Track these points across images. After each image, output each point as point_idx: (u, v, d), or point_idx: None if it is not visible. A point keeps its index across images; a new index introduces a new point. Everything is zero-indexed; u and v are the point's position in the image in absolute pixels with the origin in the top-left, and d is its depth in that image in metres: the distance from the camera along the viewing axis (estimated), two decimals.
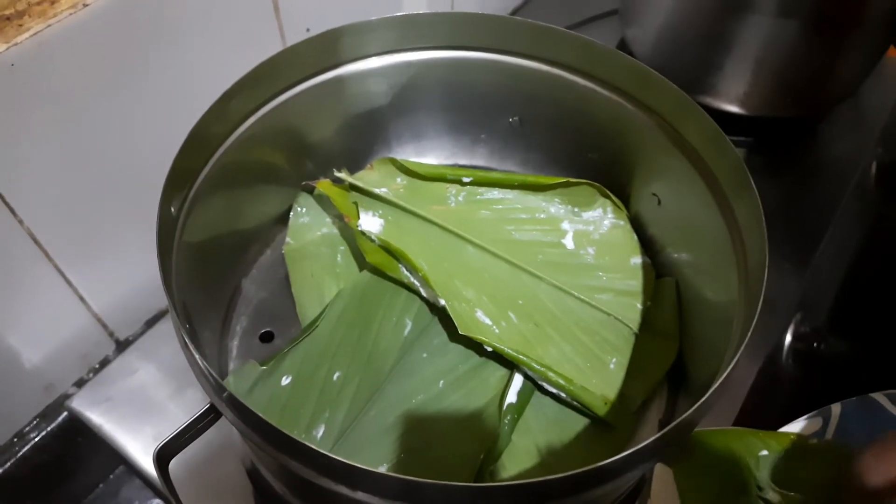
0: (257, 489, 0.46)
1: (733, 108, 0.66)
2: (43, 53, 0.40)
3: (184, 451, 0.35)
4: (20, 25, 0.40)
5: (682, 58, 0.66)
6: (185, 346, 0.32)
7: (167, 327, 0.55)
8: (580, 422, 0.43)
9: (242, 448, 0.46)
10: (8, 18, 0.40)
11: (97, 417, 0.51)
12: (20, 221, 0.44)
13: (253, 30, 0.52)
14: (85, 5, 0.41)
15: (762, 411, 0.55)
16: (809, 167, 0.70)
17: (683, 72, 0.65)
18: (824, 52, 0.63)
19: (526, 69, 0.49)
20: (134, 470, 0.51)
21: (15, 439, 0.51)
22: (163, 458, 0.34)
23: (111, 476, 0.57)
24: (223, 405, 0.32)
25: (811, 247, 0.61)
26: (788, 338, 0.57)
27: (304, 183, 0.51)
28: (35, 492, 0.53)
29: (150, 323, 0.56)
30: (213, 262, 0.45)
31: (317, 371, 0.42)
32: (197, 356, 0.31)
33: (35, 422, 0.51)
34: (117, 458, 0.53)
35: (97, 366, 0.54)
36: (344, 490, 0.29)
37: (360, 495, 0.29)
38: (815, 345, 0.57)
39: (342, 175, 0.48)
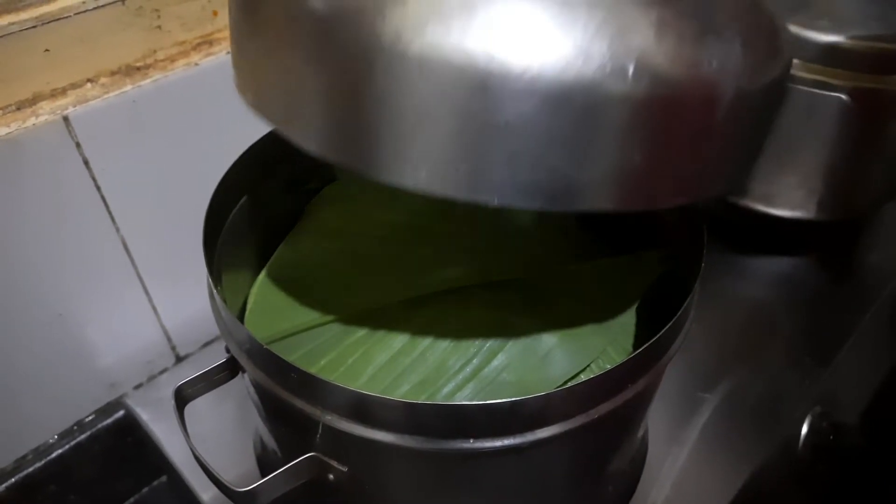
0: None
1: (763, 209, 0.69)
2: (159, 95, 0.52)
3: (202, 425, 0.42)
4: (145, 74, 0.52)
5: None
6: (210, 292, 0.39)
7: (220, 348, 0.62)
8: None
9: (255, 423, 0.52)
10: (138, 68, 0.52)
11: (147, 415, 0.58)
12: (117, 229, 0.54)
13: None
14: (196, 65, 0.53)
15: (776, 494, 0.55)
16: (845, 269, 0.71)
17: None
18: (863, 159, 0.64)
19: None
20: (173, 474, 0.56)
21: (75, 427, 0.58)
22: (180, 397, 0.40)
23: (151, 486, 0.62)
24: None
25: (835, 346, 0.62)
26: (805, 429, 0.57)
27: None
28: (81, 484, 0.59)
29: (207, 344, 0.63)
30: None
31: None
32: (217, 296, 0.38)
33: (94, 415, 0.59)
34: (159, 467, 0.59)
35: (157, 374, 0.61)
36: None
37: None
38: (830, 437, 0.57)
39: None
